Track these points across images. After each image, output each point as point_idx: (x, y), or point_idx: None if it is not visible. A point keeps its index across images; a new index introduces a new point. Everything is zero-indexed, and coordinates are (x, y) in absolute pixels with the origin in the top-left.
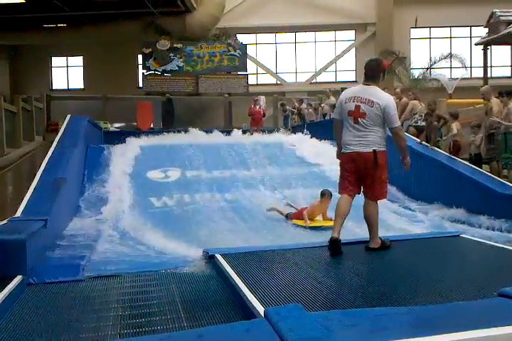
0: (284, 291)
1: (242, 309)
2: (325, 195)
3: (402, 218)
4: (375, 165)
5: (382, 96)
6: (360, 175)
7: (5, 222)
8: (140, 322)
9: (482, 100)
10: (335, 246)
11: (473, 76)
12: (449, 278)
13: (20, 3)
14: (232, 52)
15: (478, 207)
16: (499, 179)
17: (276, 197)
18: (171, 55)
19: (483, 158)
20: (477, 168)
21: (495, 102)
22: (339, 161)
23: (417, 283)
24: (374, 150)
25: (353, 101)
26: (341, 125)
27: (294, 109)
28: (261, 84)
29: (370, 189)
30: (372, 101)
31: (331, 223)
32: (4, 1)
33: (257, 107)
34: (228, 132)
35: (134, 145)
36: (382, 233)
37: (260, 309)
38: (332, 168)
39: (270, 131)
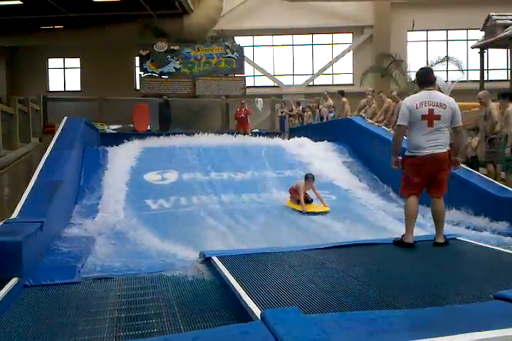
0: (281, 294)
1: (238, 311)
2: (308, 178)
3: (398, 220)
4: (448, 165)
5: (449, 99)
6: (431, 175)
7: (1, 223)
8: (136, 325)
9: (479, 103)
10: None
11: (469, 79)
12: (446, 280)
13: (18, 4)
14: (230, 55)
15: (475, 209)
16: (496, 182)
17: (274, 199)
18: (168, 57)
19: (479, 161)
20: (474, 170)
21: (493, 106)
22: (405, 165)
23: (414, 285)
24: (448, 151)
25: (425, 105)
26: (405, 132)
27: (291, 111)
28: (258, 87)
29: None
30: (445, 104)
31: (327, 209)
32: (1, 2)
33: (243, 110)
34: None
35: (130, 147)
36: (378, 235)
37: (257, 311)
38: (323, 166)
39: (262, 134)
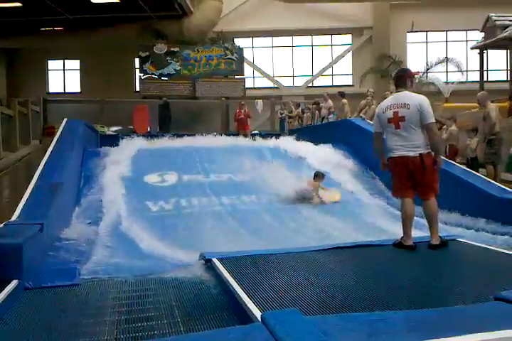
0: (281, 295)
1: (238, 313)
2: (318, 175)
3: (397, 221)
4: (428, 167)
5: (415, 97)
6: (411, 177)
7: (1, 225)
8: (137, 327)
9: (478, 104)
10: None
11: (469, 80)
12: (445, 281)
13: (18, 6)
14: (229, 56)
15: (475, 210)
16: (496, 183)
17: (275, 200)
18: (168, 58)
19: (479, 162)
20: (474, 171)
21: (492, 108)
22: (389, 167)
23: (414, 286)
24: (421, 154)
25: (391, 108)
26: (381, 137)
27: (291, 113)
28: (258, 88)
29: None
30: (408, 104)
31: (338, 195)
32: (1, 4)
33: (242, 111)
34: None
35: (130, 149)
36: (377, 236)
37: (257, 313)
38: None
39: (262, 136)
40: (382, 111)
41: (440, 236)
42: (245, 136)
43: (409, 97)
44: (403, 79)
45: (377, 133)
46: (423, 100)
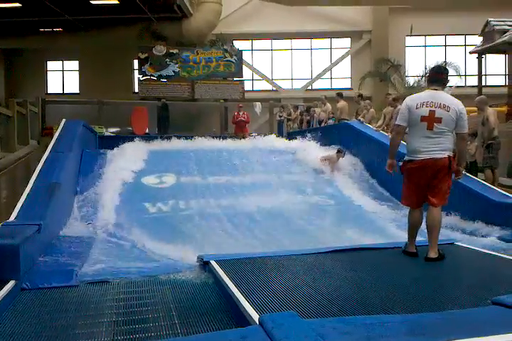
0: (279, 298)
1: (236, 316)
2: (340, 152)
3: (397, 225)
4: (448, 173)
5: (455, 101)
6: (429, 182)
7: None
8: (134, 329)
9: (477, 108)
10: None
11: (467, 84)
12: (444, 285)
13: (17, 7)
14: (229, 58)
15: (473, 214)
16: (494, 187)
17: (273, 203)
18: (167, 60)
19: (478, 166)
20: (472, 176)
21: (491, 112)
22: (403, 170)
23: (412, 290)
24: (449, 156)
25: (426, 106)
26: (403, 132)
27: (290, 115)
28: (257, 91)
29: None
30: (448, 106)
31: None
32: (0, 5)
33: (241, 113)
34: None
35: (128, 150)
36: (377, 240)
37: (255, 316)
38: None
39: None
40: (415, 106)
41: (438, 249)
42: (244, 138)
43: (450, 100)
44: (442, 77)
45: (402, 126)
46: (464, 107)
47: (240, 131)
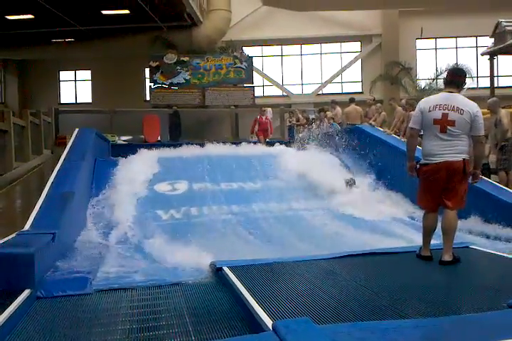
0: (293, 304)
1: (250, 322)
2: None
3: (410, 228)
4: (464, 177)
5: (470, 104)
6: (445, 185)
7: (13, 235)
8: (148, 336)
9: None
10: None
11: (479, 86)
12: (459, 289)
13: (30, 18)
14: (239, 65)
15: (487, 217)
16: (508, 189)
17: (285, 209)
18: (178, 68)
19: (491, 168)
20: (486, 178)
21: (504, 114)
22: (419, 174)
23: (426, 295)
24: (464, 159)
25: (439, 108)
26: (417, 135)
27: (298, 121)
28: (267, 96)
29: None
30: (462, 109)
31: None
32: (14, 17)
33: (264, 118)
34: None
35: (141, 158)
36: (390, 244)
37: (268, 322)
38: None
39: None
40: (428, 109)
41: (453, 253)
42: (262, 143)
43: (464, 102)
44: (459, 80)
45: (416, 129)
46: (479, 110)
47: (262, 134)
